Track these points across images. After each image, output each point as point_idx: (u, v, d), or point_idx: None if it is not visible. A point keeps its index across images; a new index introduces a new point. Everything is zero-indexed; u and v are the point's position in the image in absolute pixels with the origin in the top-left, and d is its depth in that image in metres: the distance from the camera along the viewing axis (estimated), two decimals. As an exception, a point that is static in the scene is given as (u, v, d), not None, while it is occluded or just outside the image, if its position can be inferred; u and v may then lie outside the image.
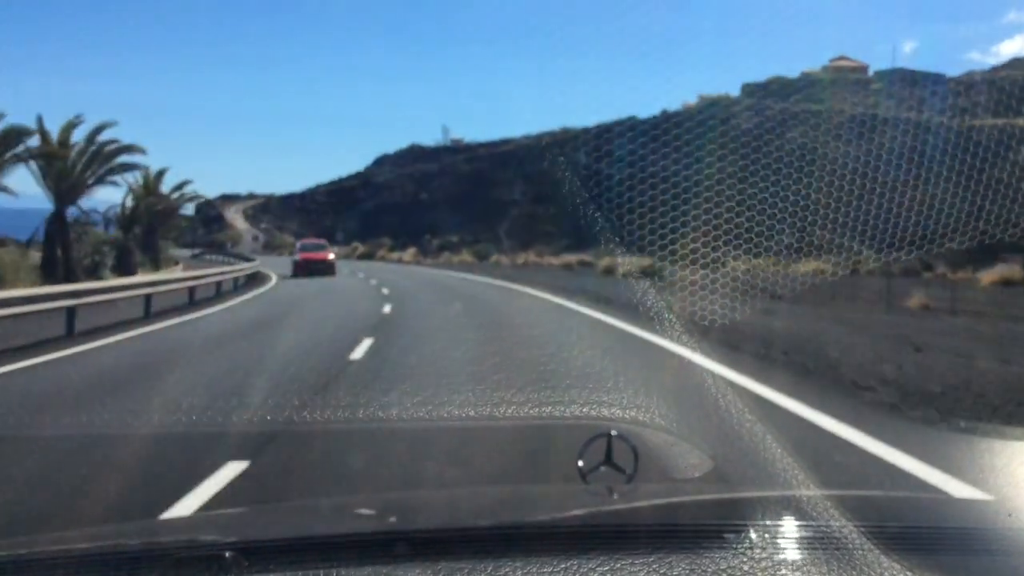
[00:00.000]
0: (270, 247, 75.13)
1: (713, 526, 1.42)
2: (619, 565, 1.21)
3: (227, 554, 1.24)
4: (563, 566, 1.20)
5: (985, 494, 4.04)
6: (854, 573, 1.23)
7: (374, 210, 77.21)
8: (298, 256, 33.18)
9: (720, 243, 4.35)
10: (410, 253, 57.78)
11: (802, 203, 4.62)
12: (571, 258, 36.91)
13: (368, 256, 60.32)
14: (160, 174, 36.47)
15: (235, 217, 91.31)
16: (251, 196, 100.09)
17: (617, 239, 4.35)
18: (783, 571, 1.23)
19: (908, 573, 1.24)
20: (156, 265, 30.77)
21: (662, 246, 4.38)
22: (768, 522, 1.40)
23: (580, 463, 1.78)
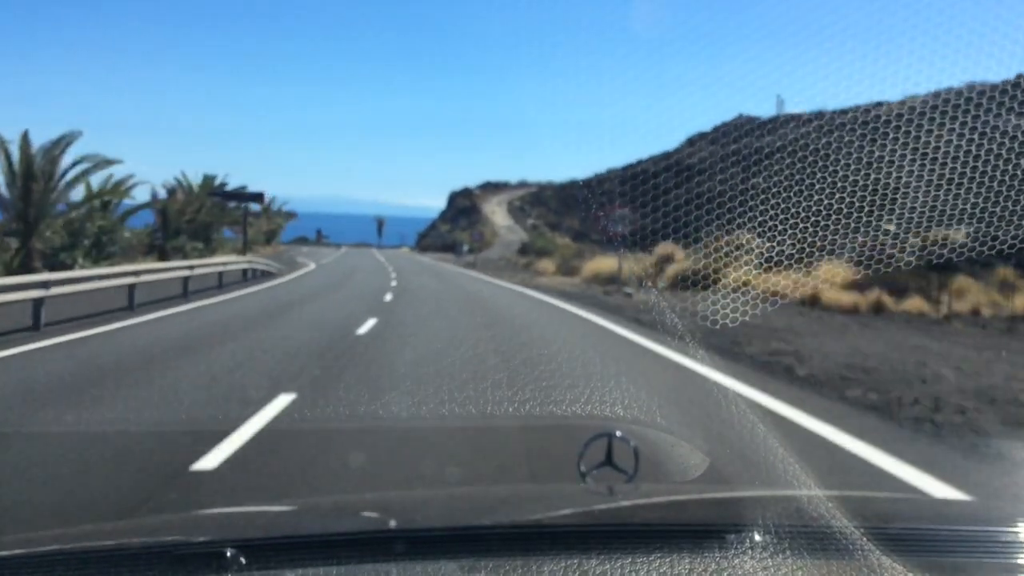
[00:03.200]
0: (527, 251, 67.34)
1: (714, 526, 1.75)
2: (619, 564, 1.49)
3: (227, 552, 1.53)
4: (563, 566, 1.49)
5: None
6: (855, 574, 1.55)
7: (686, 200, 75.55)
8: None
9: None
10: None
11: None
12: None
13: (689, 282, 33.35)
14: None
15: (495, 210, 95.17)
16: (522, 184, 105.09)
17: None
18: (784, 571, 1.53)
19: (909, 574, 1.55)
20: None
21: None
22: (769, 522, 1.68)
23: (581, 467, 2.21)
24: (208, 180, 57.61)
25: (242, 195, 57.79)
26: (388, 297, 26.74)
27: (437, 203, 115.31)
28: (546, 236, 76.46)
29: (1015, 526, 1.92)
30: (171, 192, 53.45)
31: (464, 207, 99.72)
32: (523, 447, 7.22)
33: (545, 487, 4.27)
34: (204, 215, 52.89)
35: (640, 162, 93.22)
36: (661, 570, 1.48)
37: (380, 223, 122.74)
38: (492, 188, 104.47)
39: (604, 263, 39.38)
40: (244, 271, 34.57)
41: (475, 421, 8.17)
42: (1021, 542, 1.80)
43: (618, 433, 2.26)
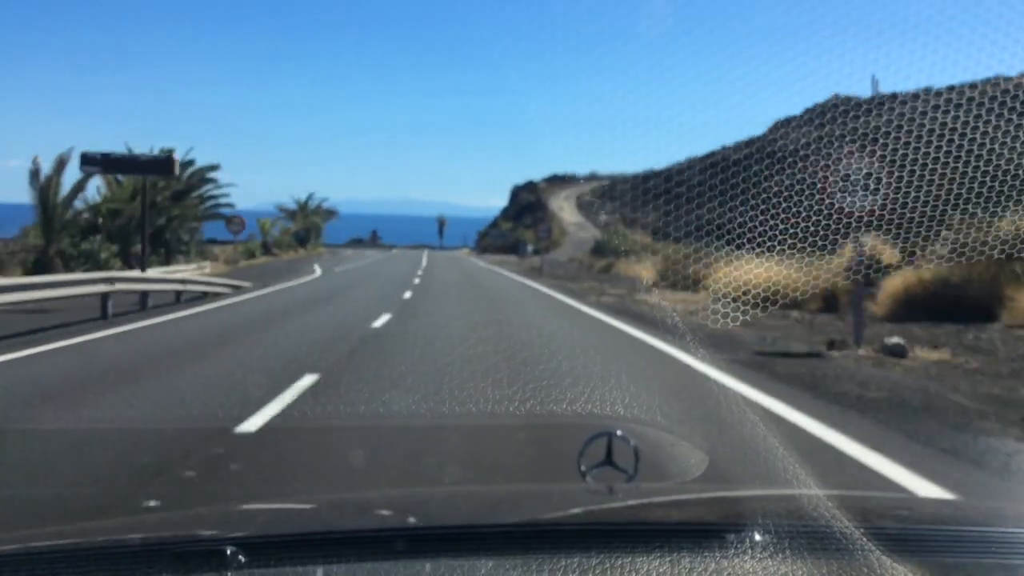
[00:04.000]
0: (602, 251, 62.99)
1: (714, 525, 1.97)
2: (619, 564, 1.67)
3: (227, 550, 1.69)
4: (563, 564, 1.66)
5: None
6: (855, 574, 1.69)
7: (775, 192, 70.48)
8: None
9: None
10: None
11: None
12: None
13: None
14: None
15: (563, 206, 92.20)
16: (592, 177, 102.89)
17: None
18: (784, 570, 1.69)
19: (909, 574, 1.68)
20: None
21: None
22: (769, 522, 1.84)
23: (581, 466, 2.39)
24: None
25: (138, 163, 36.74)
26: (278, 403, 9.14)
27: (503, 203, 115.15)
28: (619, 235, 71.19)
29: (1016, 527, 2.04)
30: (59, 167, 37.20)
31: (528, 203, 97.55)
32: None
33: (545, 486, 4.39)
34: (136, 206, 37.46)
35: (724, 148, 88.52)
36: (661, 569, 1.60)
37: (441, 223, 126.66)
38: (559, 181, 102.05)
39: (753, 272, 14.73)
40: (104, 298, 19.90)
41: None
42: (1022, 542, 1.89)
43: (618, 432, 2.37)
